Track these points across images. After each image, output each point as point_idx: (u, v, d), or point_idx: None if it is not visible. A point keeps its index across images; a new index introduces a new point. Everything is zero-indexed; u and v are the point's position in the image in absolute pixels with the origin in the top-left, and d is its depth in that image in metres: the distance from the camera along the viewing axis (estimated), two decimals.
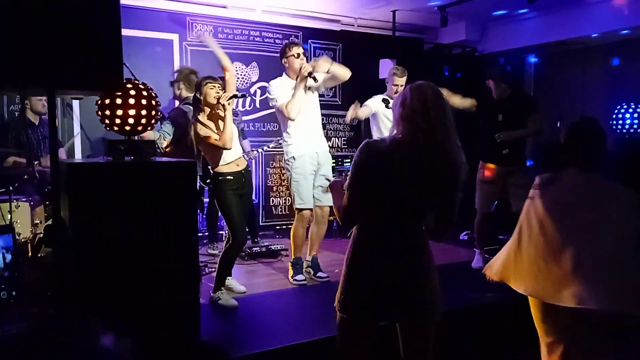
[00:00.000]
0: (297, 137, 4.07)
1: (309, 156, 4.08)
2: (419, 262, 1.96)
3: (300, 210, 4.09)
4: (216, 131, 3.45)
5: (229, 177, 3.53)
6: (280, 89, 4.04)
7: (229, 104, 3.43)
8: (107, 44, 1.94)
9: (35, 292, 3.33)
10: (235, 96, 3.54)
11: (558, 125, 6.19)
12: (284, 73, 4.17)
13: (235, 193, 3.56)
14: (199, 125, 3.42)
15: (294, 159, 4.08)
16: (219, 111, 3.47)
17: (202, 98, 3.45)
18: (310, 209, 4.11)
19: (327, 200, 4.08)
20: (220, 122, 3.47)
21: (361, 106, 4.43)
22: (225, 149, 3.44)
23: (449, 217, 1.99)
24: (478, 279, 4.24)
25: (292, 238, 4.16)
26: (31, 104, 4.50)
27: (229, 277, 3.81)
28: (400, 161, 1.87)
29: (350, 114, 4.32)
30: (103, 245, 2.33)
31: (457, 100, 4.23)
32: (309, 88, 4.07)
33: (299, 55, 4.02)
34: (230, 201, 3.52)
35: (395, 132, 1.96)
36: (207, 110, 3.49)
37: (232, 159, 3.57)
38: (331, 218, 5.85)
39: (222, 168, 3.55)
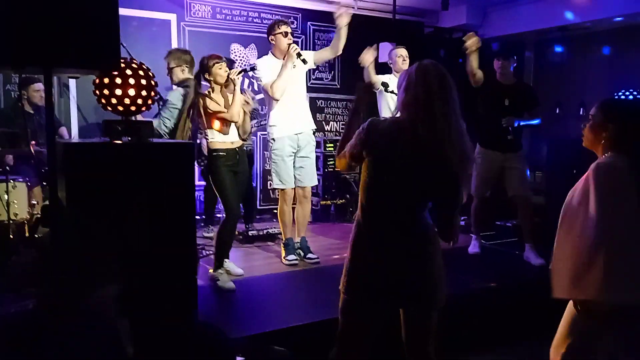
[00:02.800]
0: (279, 118, 4.08)
1: (289, 138, 4.10)
2: (422, 246, 1.93)
3: (282, 189, 4.17)
4: (224, 106, 3.60)
5: (221, 153, 3.62)
6: (266, 68, 4.02)
7: (238, 78, 3.60)
8: (104, 22, 1.91)
9: (33, 273, 3.34)
10: (244, 70, 3.71)
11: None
12: (269, 52, 4.15)
13: (229, 169, 3.64)
14: (208, 100, 3.56)
15: (274, 140, 4.12)
16: (227, 88, 3.63)
17: (211, 78, 3.59)
18: (291, 188, 4.18)
19: (308, 180, 4.22)
20: (229, 97, 3.62)
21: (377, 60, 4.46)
22: (233, 122, 3.59)
23: (449, 210, 1.95)
24: (475, 265, 4.30)
25: (279, 217, 4.23)
26: (28, 95, 4.40)
27: (226, 260, 3.83)
28: (397, 144, 1.84)
29: (364, 57, 4.27)
30: (100, 226, 2.33)
31: (475, 66, 4.24)
32: (295, 66, 4.03)
33: (286, 34, 4.01)
34: (223, 176, 3.61)
35: (398, 114, 1.93)
36: (216, 88, 3.62)
37: (227, 139, 3.64)
38: (327, 202, 5.88)
39: (216, 144, 3.63)
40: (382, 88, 4.50)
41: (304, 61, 3.98)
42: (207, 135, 3.63)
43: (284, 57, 3.98)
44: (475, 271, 4.02)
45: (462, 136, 1.85)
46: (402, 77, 1.93)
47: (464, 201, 1.94)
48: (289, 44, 3.97)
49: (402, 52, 4.60)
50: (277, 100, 4.01)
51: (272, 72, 3.99)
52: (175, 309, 2.50)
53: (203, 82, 3.63)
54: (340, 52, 4.17)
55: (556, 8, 5.82)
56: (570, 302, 2.04)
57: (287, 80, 3.97)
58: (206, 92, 3.58)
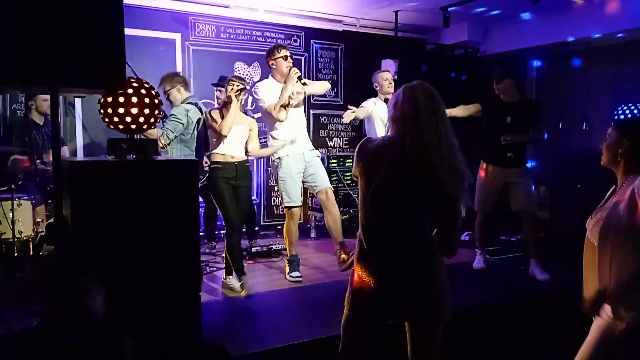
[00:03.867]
0: (283, 137, 4.14)
1: (295, 155, 4.16)
2: (423, 260, 1.93)
3: (289, 208, 4.19)
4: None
5: (219, 165, 3.78)
6: (268, 91, 4.11)
7: (236, 96, 3.75)
8: (110, 42, 1.94)
9: (37, 291, 3.35)
10: (242, 89, 3.81)
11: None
12: (269, 75, 4.24)
13: (226, 182, 3.78)
14: (213, 112, 3.82)
15: (280, 159, 4.16)
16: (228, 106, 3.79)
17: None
18: (299, 206, 4.23)
19: (323, 181, 4.25)
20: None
21: (357, 108, 4.50)
22: (221, 134, 3.74)
23: (448, 225, 1.93)
24: (479, 280, 4.27)
25: (286, 236, 4.24)
26: (36, 104, 4.50)
27: (230, 277, 3.83)
28: (388, 161, 1.86)
29: (346, 116, 4.33)
30: (105, 243, 2.34)
31: (459, 111, 4.26)
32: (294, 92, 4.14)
33: (286, 57, 4.11)
34: (221, 188, 3.76)
35: (389, 132, 1.97)
36: (228, 104, 3.79)
37: (227, 152, 3.80)
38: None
39: (216, 157, 3.82)
40: (376, 107, 4.56)
41: (304, 84, 4.08)
42: (209, 148, 3.81)
43: (285, 80, 4.06)
44: (480, 286, 3.99)
45: (452, 150, 1.86)
46: (392, 97, 1.98)
47: (463, 215, 1.93)
48: (289, 67, 4.07)
49: (388, 75, 4.71)
50: (282, 121, 4.08)
51: (273, 95, 4.06)
52: (179, 325, 2.50)
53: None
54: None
55: (557, 24, 5.87)
56: (597, 321, 2.00)
57: (291, 102, 4.06)
58: (219, 107, 3.84)
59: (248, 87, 4.12)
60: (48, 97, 4.40)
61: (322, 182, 4.24)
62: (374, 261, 1.95)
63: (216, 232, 5.13)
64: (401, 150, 1.85)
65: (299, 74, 4.05)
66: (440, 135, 1.85)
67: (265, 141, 4.55)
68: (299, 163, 4.17)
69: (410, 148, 1.83)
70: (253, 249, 4.84)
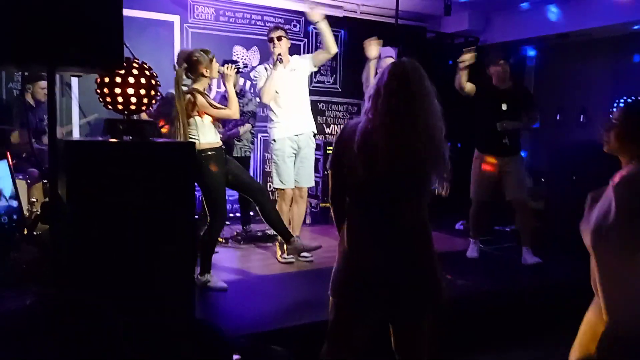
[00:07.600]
0: (279, 119, 4.19)
1: (289, 139, 4.19)
2: (412, 250, 1.84)
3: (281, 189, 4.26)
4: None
5: (210, 153, 3.44)
6: (263, 73, 4.17)
7: (232, 74, 3.59)
8: (108, 22, 1.93)
9: (32, 270, 3.35)
10: (238, 68, 3.69)
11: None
12: (270, 58, 4.27)
13: (221, 170, 3.48)
14: (207, 98, 3.42)
15: (274, 141, 4.21)
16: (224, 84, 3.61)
17: (207, 74, 3.42)
18: (291, 188, 4.26)
19: (305, 181, 4.32)
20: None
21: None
22: (234, 118, 3.69)
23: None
24: (473, 269, 4.30)
25: None
26: (34, 90, 4.48)
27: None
28: (358, 142, 1.78)
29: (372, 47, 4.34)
30: (100, 224, 2.34)
31: (463, 80, 4.23)
32: (294, 70, 4.16)
33: (271, 39, 4.11)
34: (212, 179, 3.43)
35: (366, 110, 1.86)
36: (205, 84, 3.49)
37: (217, 138, 3.55)
38: (327, 205, 5.89)
39: (204, 145, 3.41)
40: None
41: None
42: (197, 136, 3.42)
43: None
44: (473, 275, 4.01)
45: (434, 134, 1.77)
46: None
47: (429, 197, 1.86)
48: (274, 49, 4.07)
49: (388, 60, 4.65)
50: (266, 103, 4.16)
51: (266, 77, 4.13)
52: (174, 306, 2.51)
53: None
54: (335, 51, 4.26)
55: (558, 15, 5.85)
56: (589, 315, 1.94)
57: (273, 85, 4.07)
58: (197, 89, 3.40)
59: (241, 66, 3.86)
60: (46, 85, 4.41)
61: (305, 181, 4.30)
62: (357, 251, 1.89)
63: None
64: (385, 128, 1.75)
65: (278, 52, 4.04)
66: (419, 118, 1.74)
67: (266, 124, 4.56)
68: (292, 147, 4.21)
69: (385, 132, 1.74)
70: (247, 234, 4.85)
